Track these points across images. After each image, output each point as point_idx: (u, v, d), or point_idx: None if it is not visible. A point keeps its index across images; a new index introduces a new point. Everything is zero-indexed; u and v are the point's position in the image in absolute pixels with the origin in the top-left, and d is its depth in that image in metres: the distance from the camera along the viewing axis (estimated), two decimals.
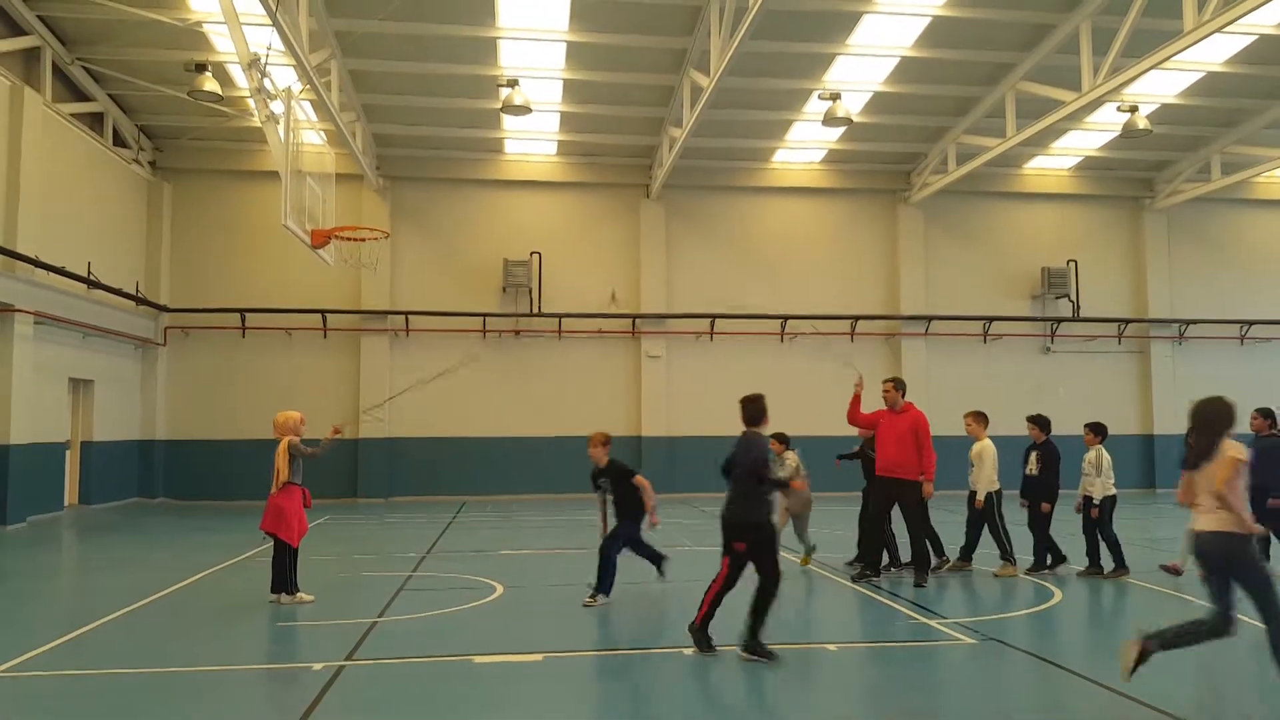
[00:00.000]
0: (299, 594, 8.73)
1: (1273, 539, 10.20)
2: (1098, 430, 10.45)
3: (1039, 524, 10.41)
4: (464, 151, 21.51)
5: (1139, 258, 23.65)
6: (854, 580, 9.86)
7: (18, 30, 15.67)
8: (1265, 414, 10.34)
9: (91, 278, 17.52)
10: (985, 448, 10.39)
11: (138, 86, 17.99)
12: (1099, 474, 10.23)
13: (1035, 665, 6.64)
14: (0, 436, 15.01)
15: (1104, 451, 10.32)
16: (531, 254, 21.60)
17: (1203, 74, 17.76)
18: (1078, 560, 10.49)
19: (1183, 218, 23.70)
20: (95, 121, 18.63)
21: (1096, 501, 10.17)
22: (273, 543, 8.77)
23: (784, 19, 15.31)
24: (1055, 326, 23.10)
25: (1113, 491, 10.24)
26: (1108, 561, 10.25)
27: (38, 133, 15.77)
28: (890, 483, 9.83)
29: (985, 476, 10.28)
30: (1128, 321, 23.25)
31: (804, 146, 21.55)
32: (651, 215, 22.14)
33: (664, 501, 20.33)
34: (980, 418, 10.62)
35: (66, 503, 17.83)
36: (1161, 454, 22.72)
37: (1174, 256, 23.70)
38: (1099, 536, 10.23)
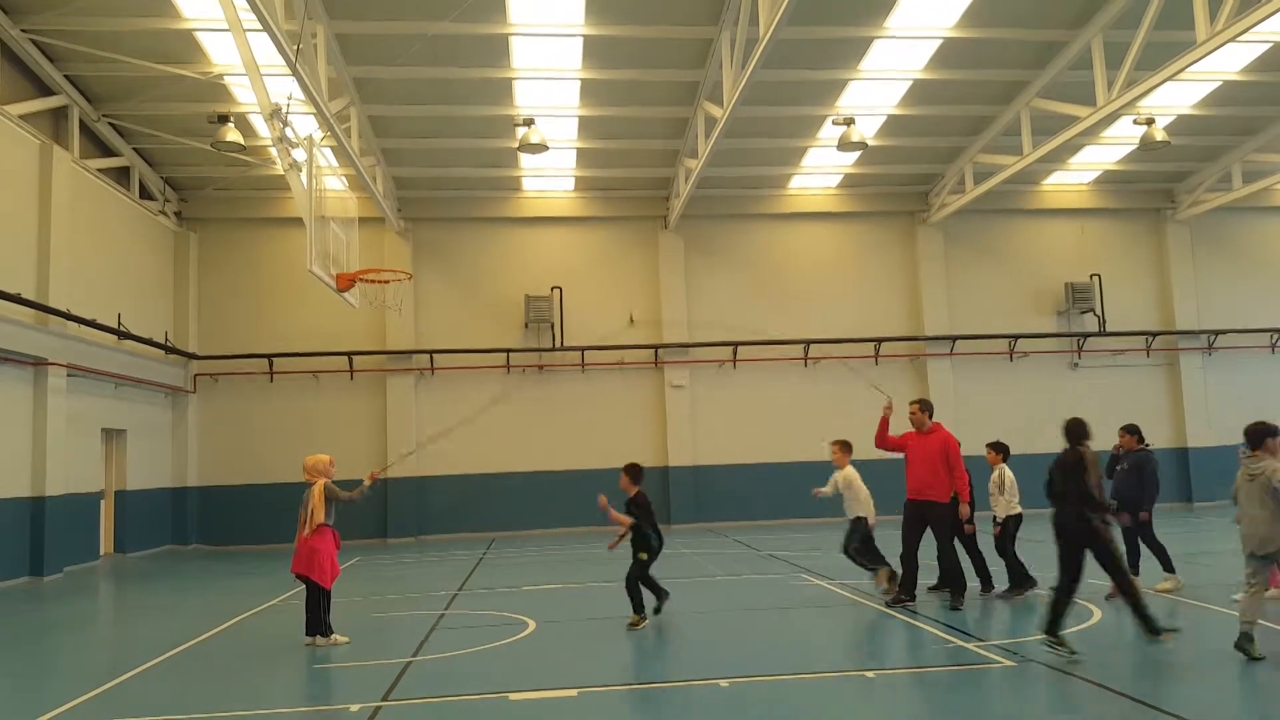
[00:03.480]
0: (334, 636, 8.74)
1: (1143, 549, 10.29)
2: (999, 449, 10.53)
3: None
4: (483, 191, 21.77)
5: (1163, 269, 23.45)
6: (889, 605, 9.74)
7: (46, 90, 16.11)
8: (1131, 430, 10.59)
9: (121, 329, 17.82)
10: (851, 475, 10.48)
11: (162, 140, 18.41)
12: (1002, 493, 10.31)
13: (1077, 686, 6.53)
14: (36, 488, 15.22)
15: (1007, 470, 10.39)
16: (552, 289, 21.75)
17: (1219, 83, 17.71)
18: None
19: (1206, 228, 23.51)
20: (122, 176, 19.04)
21: (1000, 520, 10.21)
22: (305, 585, 8.80)
23: (795, 47, 15.45)
24: (1082, 342, 22.90)
25: (1017, 510, 10.26)
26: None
27: (67, 189, 16.13)
28: (921, 505, 9.74)
29: (861, 502, 10.36)
30: (1155, 334, 23.01)
31: (820, 172, 21.63)
32: (670, 246, 22.26)
33: (692, 532, 20.34)
34: (845, 446, 10.65)
35: (102, 552, 18.01)
36: (1197, 467, 22.35)
37: (1199, 267, 23.49)
38: (1001, 554, 10.22)
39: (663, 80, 16.89)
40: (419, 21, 14.45)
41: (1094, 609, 9.31)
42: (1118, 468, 10.54)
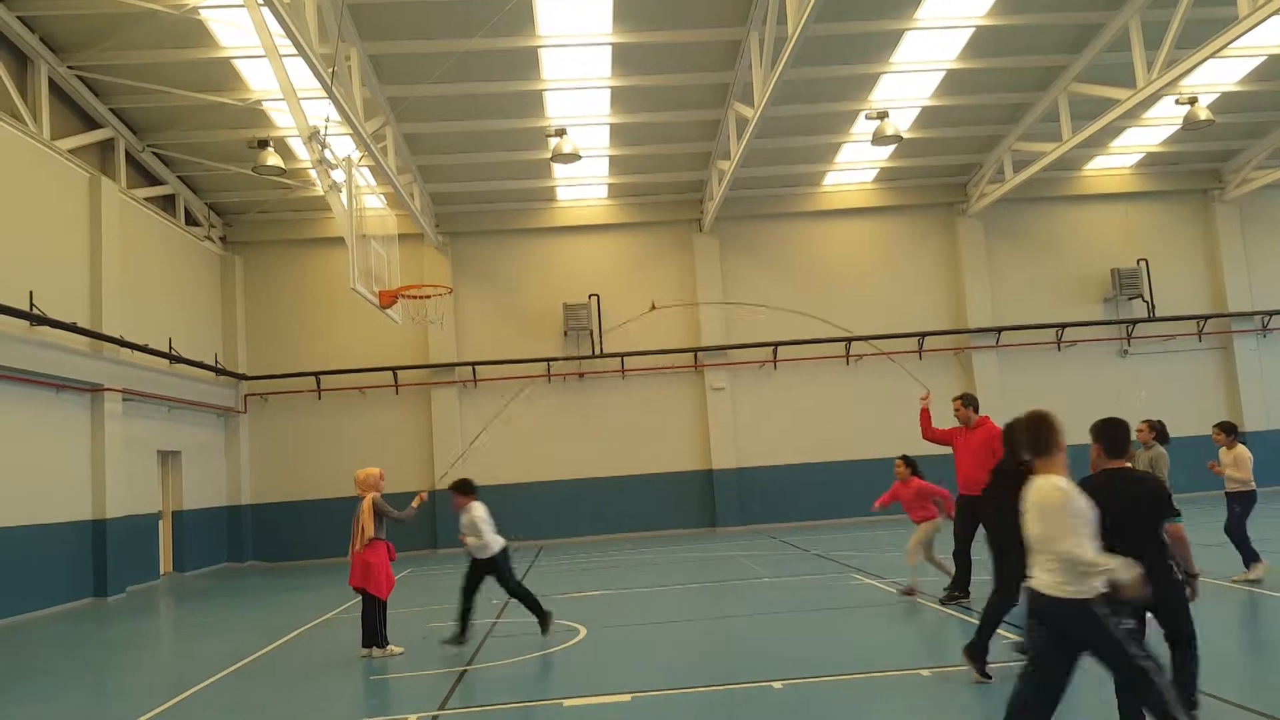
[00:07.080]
0: (389, 647, 8.86)
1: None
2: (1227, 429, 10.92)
3: None
4: (518, 203, 21.94)
5: (1213, 251, 22.91)
6: (943, 602, 9.63)
7: (93, 124, 16.56)
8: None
9: (173, 353, 18.24)
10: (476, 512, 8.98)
11: (205, 167, 18.84)
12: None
13: None
14: (98, 511, 15.61)
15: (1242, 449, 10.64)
16: (590, 296, 21.84)
17: (1263, 59, 17.30)
18: None
19: (1256, 206, 22.92)
20: (167, 203, 19.50)
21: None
22: (361, 598, 8.94)
23: (825, 44, 15.38)
24: (1131, 328, 22.45)
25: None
26: None
27: (115, 219, 16.54)
28: (972, 500, 9.61)
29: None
30: (1207, 318, 22.48)
31: (855, 167, 21.48)
32: (705, 248, 22.24)
33: (738, 534, 20.28)
34: (464, 487, 9.06)
35: (162, 571, 18.41)
36: (1256, 451, 21.64)
37: (1250, 246, 22.91)
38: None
39: (692, 84, 16.90)
40: (450, 39, 14.63)
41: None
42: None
